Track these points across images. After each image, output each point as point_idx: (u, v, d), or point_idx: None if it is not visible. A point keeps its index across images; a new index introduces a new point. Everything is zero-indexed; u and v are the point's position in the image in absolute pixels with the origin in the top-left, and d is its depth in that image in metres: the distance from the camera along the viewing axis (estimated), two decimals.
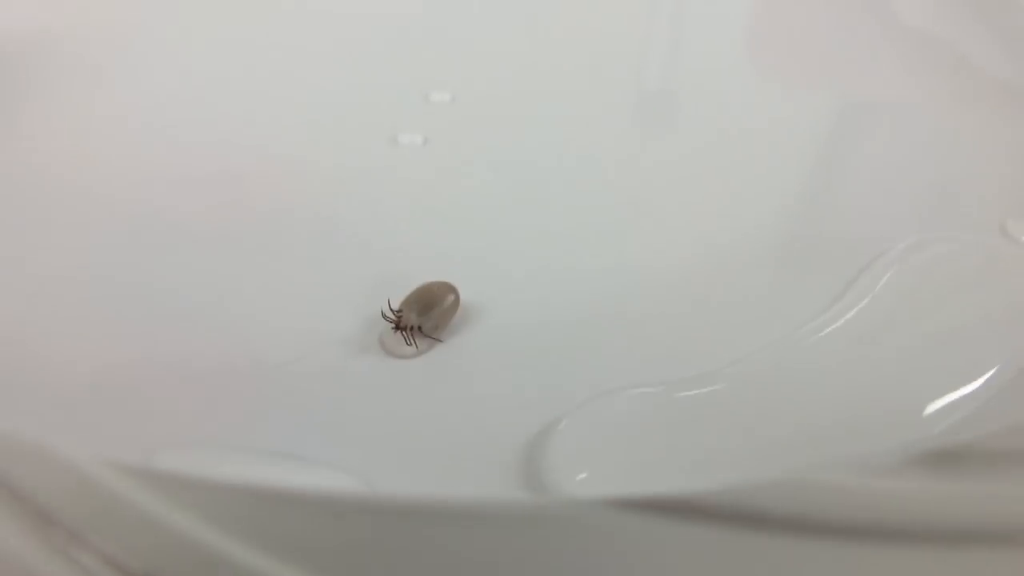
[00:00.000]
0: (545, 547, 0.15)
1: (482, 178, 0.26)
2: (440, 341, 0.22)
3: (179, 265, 0.24)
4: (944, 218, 0.25)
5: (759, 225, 0.25)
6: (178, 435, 0.20)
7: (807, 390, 0.21)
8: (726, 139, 0.28)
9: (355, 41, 0.30)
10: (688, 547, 0.15)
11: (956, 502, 0.15)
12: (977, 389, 0.20)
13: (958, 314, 0.22)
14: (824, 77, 0.31)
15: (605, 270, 0.24)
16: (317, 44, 0.30)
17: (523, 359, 0.22)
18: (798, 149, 0.28)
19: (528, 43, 0.30)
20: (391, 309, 0.21)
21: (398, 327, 0.21)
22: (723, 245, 0.24)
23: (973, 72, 0.30)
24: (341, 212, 0.25)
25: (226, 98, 0.28)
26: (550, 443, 0.19)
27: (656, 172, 0.26)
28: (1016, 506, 0.15)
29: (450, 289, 0.22)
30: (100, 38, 0.30)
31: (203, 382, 0.21)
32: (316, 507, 0.16)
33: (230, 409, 0.20)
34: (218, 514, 0.15)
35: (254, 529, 0.15)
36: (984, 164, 0.27)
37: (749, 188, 0.26)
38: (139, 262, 0.24)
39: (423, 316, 0.21)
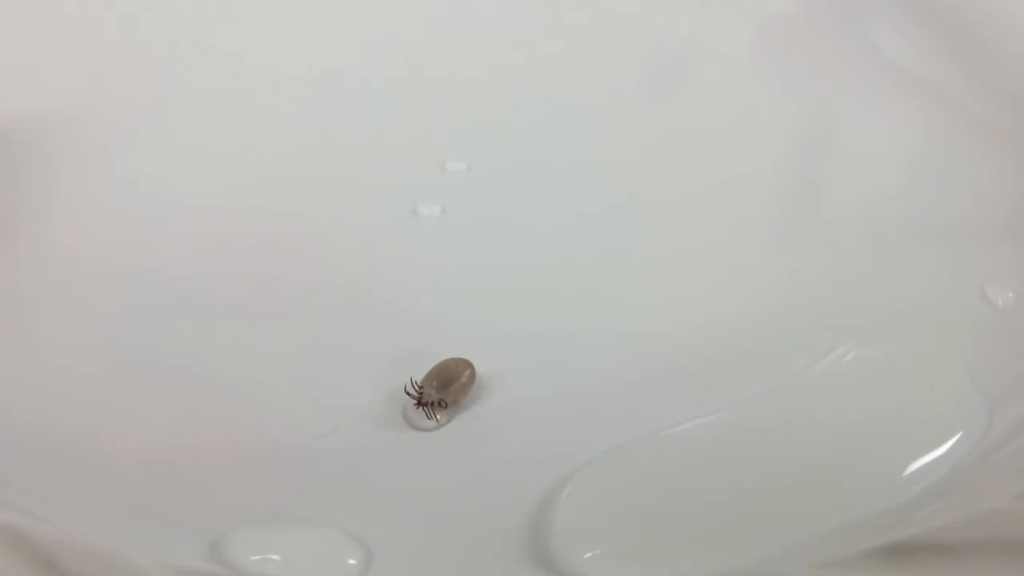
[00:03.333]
0: None
1: (497, 248, 0.28)
2: (453, 415, 0.24)
3: (204, 341, 0.25)
4: (925, 283, 0.27)
5: (743, 289, 0.27)
6: (215, 512, 0.21)
7: (783, 453, 0.23)
8: (720, 208, 0.29)
9: (370, 113, 0.32)
10: None
11: None
12: (948, 453, 0.22)
13: (933, 379, 0.24)
14: (805, 111, 0.33)
15: (611, 336, 0.26)
16: (331, 116, 0.32)
17: (535, 427, 0.24)
18: (776, 196, 0.30)
19: (537, 109, 0.32)
20: (413, 385, 0.24)
21: (420, 403, 0.23)
22: (711, 311, 0.26)
23: (954, 109, 0.32)
24: (363, 287, 0.27)
25: (244, 173, 0.30)
26: (555, 513, 0.21)
27: (657, 243, 0.28)
28: None
29: (467, 365, 0.24)
30: (116, 115, 0.31)
31: (233, 458, 0.23)
32: None
33: (258, 484, 0.22)
34: None
35: None
36: (965, 213, 0.29)
37: (735, 245, 0.28)
38: (165, 340, 0.25)
39: (442, 391, 0.23)
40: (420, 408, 0.23)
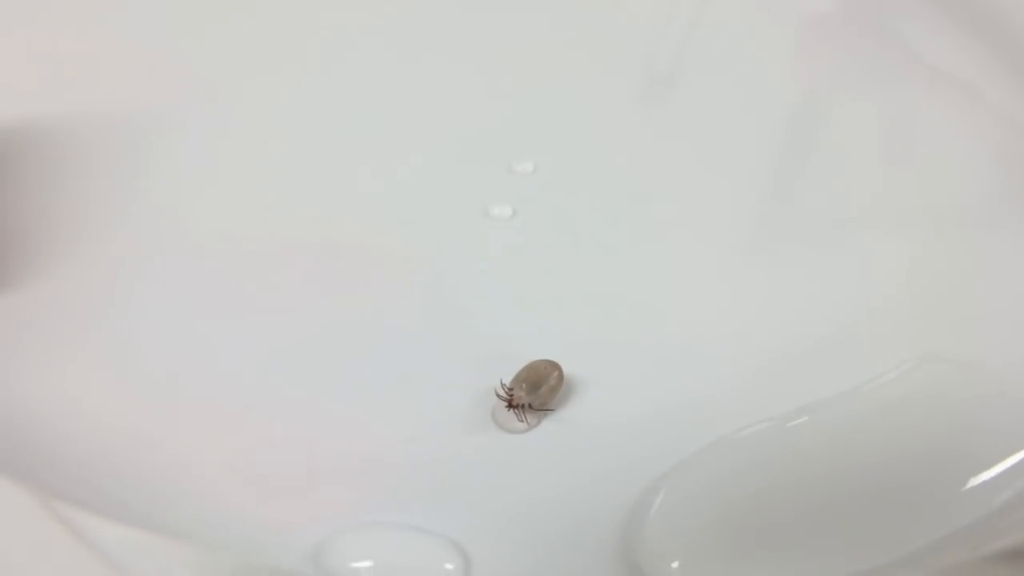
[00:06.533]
0: None
1: (569, 246, 0.28)
2: (552, 410, 0.24)
3: (291, 345, 0.25)
4: (992, 287, 0.27)
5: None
6: (311, 518, 0.22)
7: (865, 457, 0.23)
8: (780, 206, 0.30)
9: (436, 116, 0.32)
10: None
11: None
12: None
13: (1003, 389, 0.24)
14: (842, 109, 0.33)
15: (688, 334, 0.26)
16: (396, 120, 0.32)
17: (625, 428, 0.24)
18: (845, 195, 0.30)
19: (596, 106, 0.32)
20: (503, 387, 0.24)
21: (511, 405, 0.23)
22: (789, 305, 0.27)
23: (991, 114, 0.32)
24: (443, 290, 0.27)
25: (319, 178, 0.30)
26: (645, 522, 0.22)
27: (734, 242, 0.29)
28: None
29: (554, 366, 0.24)
30: (180, 116, 0.31)
31: (324, 464, 0.23)
32: None
33: (352, 489, 0.23)
34: None
35: None
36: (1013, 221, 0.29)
37: (813, 245, 0.28)
38: (250, 344, 0.25)
39: (532, 394, 0.24)
40: (510, 410, 0.23)
